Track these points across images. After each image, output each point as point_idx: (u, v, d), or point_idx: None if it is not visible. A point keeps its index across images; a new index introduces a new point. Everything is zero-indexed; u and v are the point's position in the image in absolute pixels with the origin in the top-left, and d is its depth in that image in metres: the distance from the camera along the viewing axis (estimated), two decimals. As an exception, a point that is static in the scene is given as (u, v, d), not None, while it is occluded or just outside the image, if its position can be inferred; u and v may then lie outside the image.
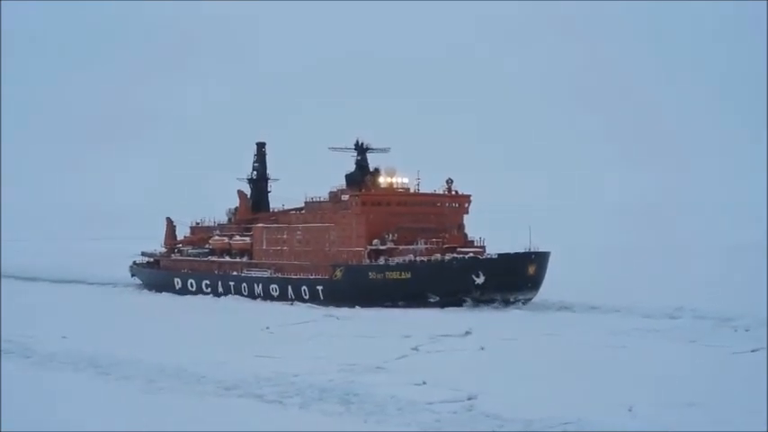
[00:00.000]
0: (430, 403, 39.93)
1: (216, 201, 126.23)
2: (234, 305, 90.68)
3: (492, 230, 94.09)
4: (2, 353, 54.83)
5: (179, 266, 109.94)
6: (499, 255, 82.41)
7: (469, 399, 40.92)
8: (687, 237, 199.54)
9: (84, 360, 52.50)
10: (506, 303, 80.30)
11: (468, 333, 63.51)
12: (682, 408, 38.14)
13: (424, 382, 44.86)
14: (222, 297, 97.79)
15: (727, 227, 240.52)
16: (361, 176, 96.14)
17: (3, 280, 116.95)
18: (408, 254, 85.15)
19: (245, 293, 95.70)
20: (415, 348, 56.72)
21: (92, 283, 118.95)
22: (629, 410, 37.76)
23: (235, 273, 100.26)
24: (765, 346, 55.11)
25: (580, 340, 59.47)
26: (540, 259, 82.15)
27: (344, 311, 79.97)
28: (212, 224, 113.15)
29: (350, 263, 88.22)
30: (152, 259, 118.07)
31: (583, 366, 49.45)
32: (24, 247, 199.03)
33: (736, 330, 63.24)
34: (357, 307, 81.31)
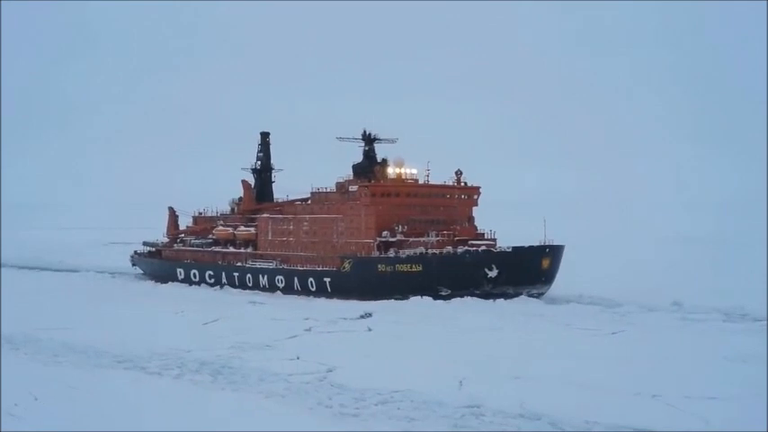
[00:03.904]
0: (290, 375, 45.26)
1: (218, 191, 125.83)
2: (173, 291, 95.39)
3: (496, 222, 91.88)
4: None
5: (182, 256, 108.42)
6: (513, 248, 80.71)
7: (328, 371, 46.22)
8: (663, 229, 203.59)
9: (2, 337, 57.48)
10: (518, 297, 78.77)
11: (363, 317, 68.84)
12: (506, 380, 43.52)
13: (298, 358, 50.24)
14: (162, 285, 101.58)
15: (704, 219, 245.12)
16: (369, 167, 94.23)
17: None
18: (419, 246, 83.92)
19: (250, 284, 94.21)
20: (309, 329, 62.06)
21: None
22: (460, 383, 42.93)
23: (239, 263, 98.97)
24: (626, 329, 60.72)
25: (467, 323, 64.50)
26: (554, 253, 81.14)
27: (265, 296, 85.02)
28: (215, 214, 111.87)
29: (358, 255, 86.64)
30: (154, 249, 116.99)
31: (446, 346, 54.73)
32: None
33: (608, 314, 68.55)
34: (365, 300, 79.14)
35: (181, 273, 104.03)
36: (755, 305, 70.65)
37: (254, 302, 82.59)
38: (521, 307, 73.54)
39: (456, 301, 76.58)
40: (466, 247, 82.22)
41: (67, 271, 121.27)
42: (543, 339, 57.40)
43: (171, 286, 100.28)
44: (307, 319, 66.66)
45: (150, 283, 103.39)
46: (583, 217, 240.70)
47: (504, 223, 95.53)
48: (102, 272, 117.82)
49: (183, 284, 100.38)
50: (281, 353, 52.27)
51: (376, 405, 38.73)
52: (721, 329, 61.10)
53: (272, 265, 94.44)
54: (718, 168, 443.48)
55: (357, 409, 38.08)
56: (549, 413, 36.22)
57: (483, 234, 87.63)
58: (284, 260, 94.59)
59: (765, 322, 63.97)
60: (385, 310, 72.82)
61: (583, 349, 53.33)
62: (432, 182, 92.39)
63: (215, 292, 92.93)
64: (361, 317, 69.07)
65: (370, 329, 62.18)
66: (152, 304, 79.97)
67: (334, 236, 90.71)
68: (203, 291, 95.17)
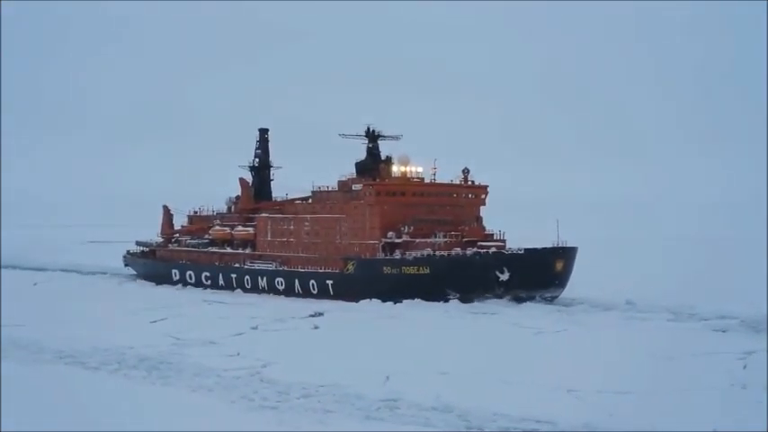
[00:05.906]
0: (225, 370, 46.16)
1: (214, 189, 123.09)
2: (134, 290, 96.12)
3: (501, 222, 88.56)
4: None
5: (177, 257, 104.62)
6: (525, 250, 77.60)
7: (263, 366, 47.13)
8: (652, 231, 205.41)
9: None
10: (531, 301, 76.00)
11: (312, 316, 69.77)
12: (432, 376, 44.53)
13: (238, 354, 51.18)
14: (126, 283, 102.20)
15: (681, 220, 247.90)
16: (373, 165, 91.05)
17: None
18: (426, 247, 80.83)
19: (249, 286, 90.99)
20: (255, 327, 63.02)
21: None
22: (387, 378, 43.81)
23: (237, 265, 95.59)
24: (569, 328, 61.77)
25: (413, 322, 65.67)
26: (567, 255, 78.29)
27: (223, 295, 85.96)
28: (211, 213, 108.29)
29: (363, 256, 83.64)
30: (147, 249, 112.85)
31: (385, 343, 55.87)
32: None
33: (560, 313, 69.51)
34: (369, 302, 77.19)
35: (176, 274, 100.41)
36: (707, 305, 70.83)
37: (209, 301, 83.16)
38: (473, 306, 74.06)
39: (407, 301, 76.07)
40: (476, 249, 79.39)
41: (35, 269, 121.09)
42: (483, 338, 58.51)
43: (136, 284, 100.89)
44: (254, 317, 67.61)
45: (114, 282, 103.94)
46: (582, 219, 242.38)
47: (507, 224, 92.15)
48: (69, 271, 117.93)
49: (150, 283, 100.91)
50: (221, 349, 53.27)
51: (298, 399, 39.67)
52: (662, 328, 62.03)
53: (271, 267, 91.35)
54: (733, 171, 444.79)
55: (278, 402, 39.01)
56: (461, 406, 37.22)
57: (492, 235, 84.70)
58: (284, 261, 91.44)
59: (711, 321, 65.05)
60: (337, 309, 73.83)
61: (518, 347, 54.53)
62: (438, 180, 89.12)
63: (176, 291, 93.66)
64: (311, 316, 70.06)
65: (316, 327, 63.17)
66: (108, 302, 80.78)
67: (337, 236, 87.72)
68: (163, 290, 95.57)
